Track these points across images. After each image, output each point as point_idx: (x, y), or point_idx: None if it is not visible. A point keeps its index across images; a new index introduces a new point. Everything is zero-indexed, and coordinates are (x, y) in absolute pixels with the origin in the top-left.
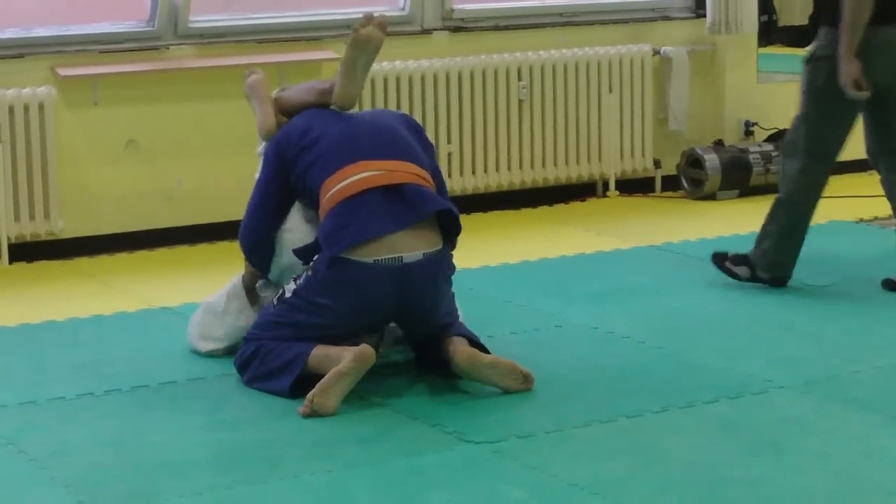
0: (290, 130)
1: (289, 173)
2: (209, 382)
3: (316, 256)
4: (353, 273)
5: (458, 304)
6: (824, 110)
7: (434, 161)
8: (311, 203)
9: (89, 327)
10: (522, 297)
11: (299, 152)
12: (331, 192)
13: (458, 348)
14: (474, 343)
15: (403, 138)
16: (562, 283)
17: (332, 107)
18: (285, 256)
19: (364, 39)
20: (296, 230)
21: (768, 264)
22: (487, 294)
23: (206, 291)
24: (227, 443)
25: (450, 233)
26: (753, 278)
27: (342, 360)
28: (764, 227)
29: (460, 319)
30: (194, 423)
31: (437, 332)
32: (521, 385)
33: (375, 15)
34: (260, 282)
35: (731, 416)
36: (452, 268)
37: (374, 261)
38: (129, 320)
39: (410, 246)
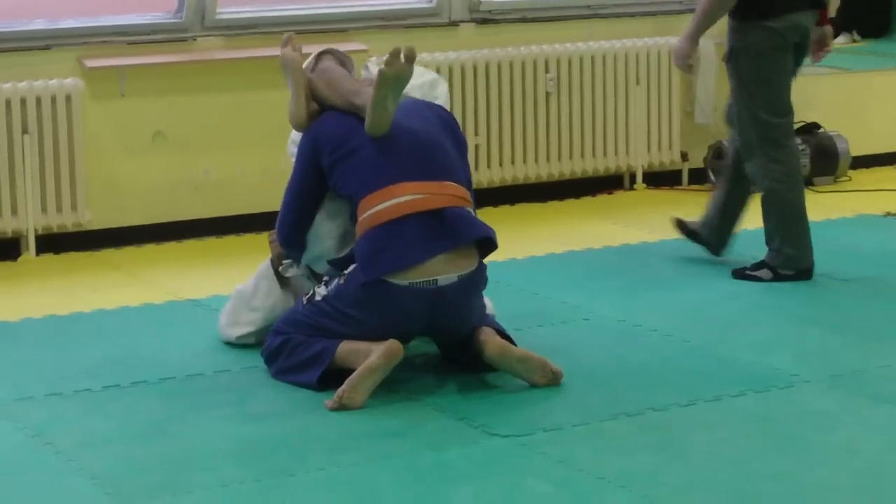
0: (327, 133)
1: (323, 175)
2: (236, 375)
3: (350, 268)
4: (385, 293)
5: (489, 301)
6: (765, 95)
7: (465, 159)
8: (349, 207)
9: (116, 319)
10: (549, 289)
11: (335, 161)
12: (369, 212)
13: (489, 339)
14: (502, 334)
15: (443, 151)
16: (589, 275)
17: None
18: (316, 247)
19: (394, 77)
20: (324, 224)
21: (786, 261)
22: (514, 286)
23: (233, 283)
24: (253, 435)
25: (485, 252)
26: (778, 278)
27: (371, 356)
28: (766, 228)
29: (490, 312)
30: (221, 415)
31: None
32: (548, 382)
33: (403, 49)
34: (286, 261)
35: (758, 410)
36: (485, 281)
37: (409, 284)
38: (155, 312)
39: (446, 269)
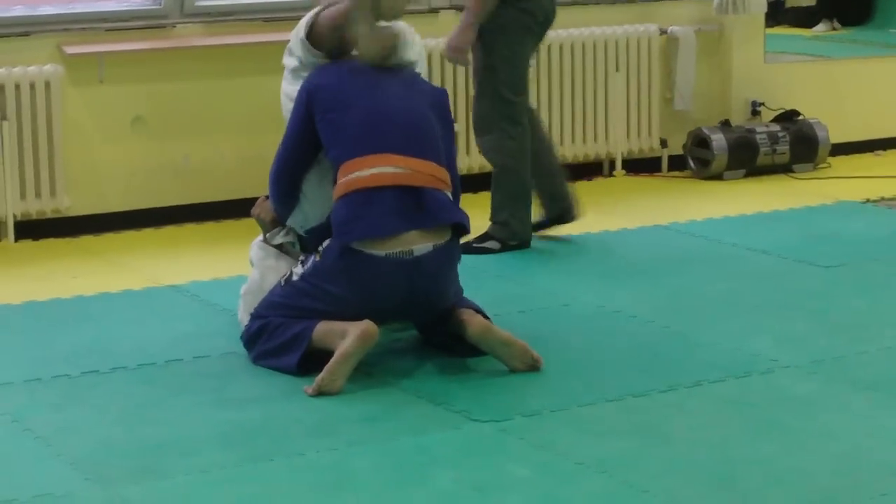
0: (322, 84)
1: (315, 128)
2: (215, 361)
3: (326, 242)
4: (363, 265)
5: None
6: (509, 73)
7: (451, 142)
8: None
9: (95, 305)
10: (529, 275)
11: (326, 116)
12: (349, 177)
13: (471, 319)
14: (483, 315)
15: (430, 130)
16: (568, 262)
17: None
18: (309, 213)
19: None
20: (316, 189)
21: (512, 234)
22: (494, 273)
23: (212, 269)
24: (233, 421)
25: (458, 235)
26: (505, 248)
27: (346, 339)
28: (495, 201)
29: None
30: (200, 400)
31: (443, 315)
32: (528, 368)
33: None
34: (275, 229)
35: (738, 396)
36: (459, 254)
37: (386, 254)
38: (135, 298)
39: (421, 241)
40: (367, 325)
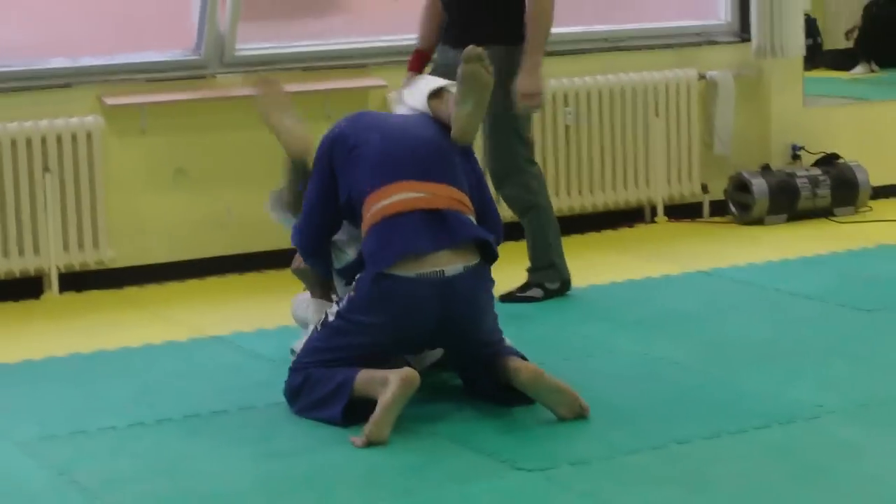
0: (337, 134)
1: (336, 178)
2: (260, 412)
3: (358, 276)
4: (396, 287)
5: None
6: (528, 114)
7: (475, 167)
8: (353, 218)
9: (140, 356)
10: (573, 323)
11: (343, 160)
12: (374, 208)
13: (522, 365)
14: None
15: (445, 157)
16: (611, 309)
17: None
18: (341, 259)
19: (469, 76)
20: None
21: (553, 274)
22: (538, 320)
23: (256, 320)
24: (278, 473)
25: (486, 258)
26: (547, 294)
27: (388, 387)
28: (541, 244)
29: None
30: (245, 452)
31: (482, 352)
32: (575, 416)
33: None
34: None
35: (782, 442)
36: (492, 281)
37: (417, 275)
38: (179, 349)
39: (451, 261)
40: (407, 371)
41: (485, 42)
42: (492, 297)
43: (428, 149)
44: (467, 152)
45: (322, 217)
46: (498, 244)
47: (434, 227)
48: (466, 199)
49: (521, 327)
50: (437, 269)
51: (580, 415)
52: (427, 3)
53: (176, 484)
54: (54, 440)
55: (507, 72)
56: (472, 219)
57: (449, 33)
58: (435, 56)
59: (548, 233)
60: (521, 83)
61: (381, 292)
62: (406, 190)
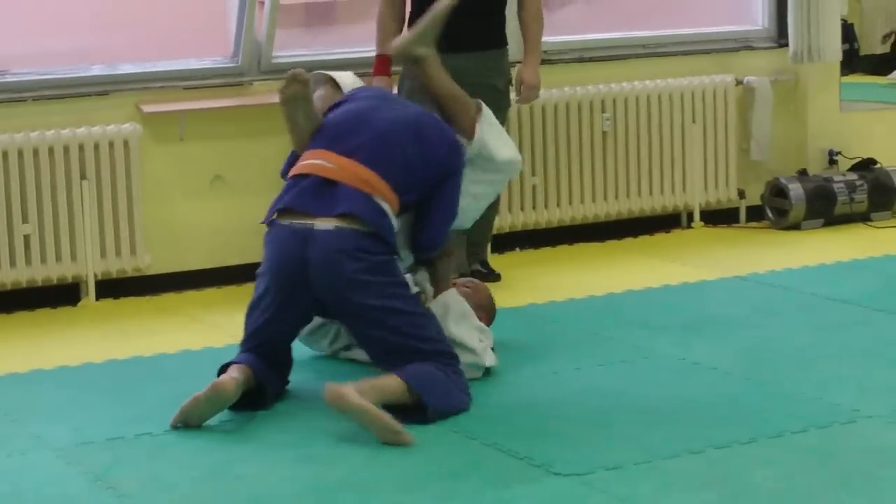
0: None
1: None
2: (298, 417)
3: None
4: (273, 232)
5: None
6: (505, 122)
7: (445, 162)
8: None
9: (177, 363)
10: (609, 328)
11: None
12: (294, 168)
13: (331, 386)
14: (414, 393)
15: (391, 144)
16: (648, 314)
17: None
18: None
19: (290, 97)
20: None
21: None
22: (574, 326)
23: None
24: (317, 476)
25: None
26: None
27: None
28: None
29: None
30: (284, 456)
31: (373, 338)
32: (392, 439)
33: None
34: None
35: (821, 446)
36: (369, 247)
37: (290, 223)
38: (216, 355)
39: (325, 222)
40: (223, 380)
41: (483, 48)
42: (380, 280)
43: (373, 132)
44: (426, 139)
45: None
46: (431, 250)
47: (321, 194)
48: (377, 182)
49: (557, 333)
50: (308, 223)
51: (394, 441)
52: (384, 8)
53: (213, 490)
54: (91, 446)
55: (499, 73)
56: (376, 199)
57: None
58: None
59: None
60: (529, 77)
61: (266, 238)
62: (318, 157)
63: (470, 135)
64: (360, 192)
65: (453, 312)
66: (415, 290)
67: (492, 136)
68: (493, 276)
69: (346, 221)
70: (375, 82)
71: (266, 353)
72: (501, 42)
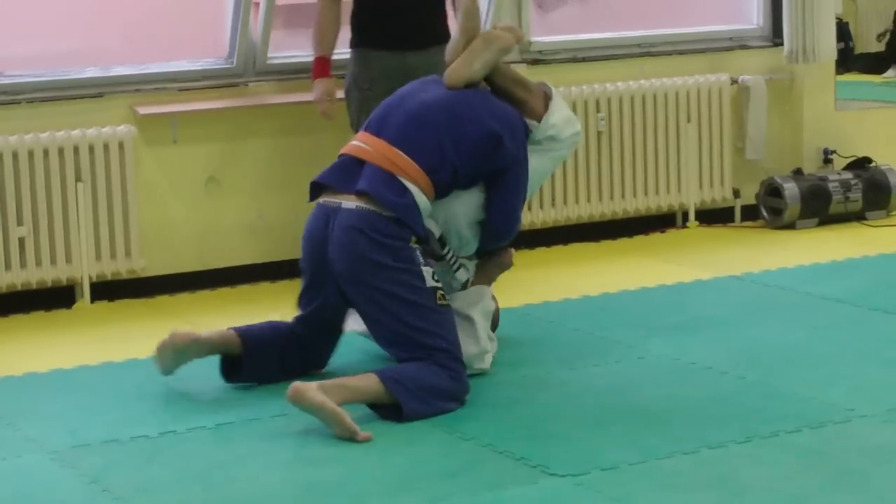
0: None
1: None
2: (292, 419)
3: None
4: (312, 212)
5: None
6: None
7: (476, 143)
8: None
9: None
10: (604, 328)
11: None
12: None
13: (296, 384)
14: (391, 391)
15: (416, 124)
16: (643, 314)
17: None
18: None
19: (493, 36)
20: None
21: None
22: (569, 326)
23: None
24: (312, 479)
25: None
26: None
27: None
28: None
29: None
30: (279, 459)
31: (380, 323)
32: (348, 438)
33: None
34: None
35: (815, 446)
36: (384, 228)
37: (324, 201)
38: (211, 358)
39: (350, 200)
40: (172, 335)
41: (442, 42)
42: (393, 265)
43: (405, 113)
44: (462, 117)
45: None
46: (502, 238)
47: (349, 172)
48: (402, 161)
49: (552, 333)
50: (337, 201)
51: (352, 438)
52: (325, 11)
53: (209, 492)
54: (87, 449)
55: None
56: (402, 179)
57: (402, 37)
58: (352, 61)
59: None
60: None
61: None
62: (358, 139)
63: (539, 117)
64: (383, 171)
65: (479, 306)
66: (432, 284)
67: (559, 118)
68: None
69: (366, 202)
70: (317, 85)
71: (303, 330)
72: (446, 37)
